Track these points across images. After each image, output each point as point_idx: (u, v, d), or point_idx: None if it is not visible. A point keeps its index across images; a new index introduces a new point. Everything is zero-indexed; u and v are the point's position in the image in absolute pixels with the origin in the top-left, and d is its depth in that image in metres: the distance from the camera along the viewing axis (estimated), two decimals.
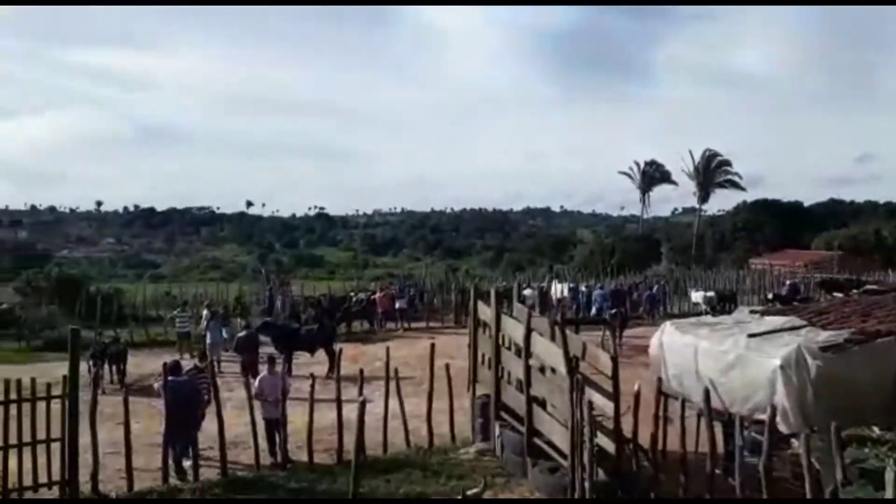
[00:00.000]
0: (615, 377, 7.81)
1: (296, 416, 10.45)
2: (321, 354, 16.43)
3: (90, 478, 8.68)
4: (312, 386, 10.23)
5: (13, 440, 8.56)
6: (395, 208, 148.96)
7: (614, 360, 8.03)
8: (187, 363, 11.96)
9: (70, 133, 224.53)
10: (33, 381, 8.99)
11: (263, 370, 11.25)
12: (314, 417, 9.97)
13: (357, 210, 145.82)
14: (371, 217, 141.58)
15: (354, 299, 25.68)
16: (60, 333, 20.93)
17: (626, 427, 8.19)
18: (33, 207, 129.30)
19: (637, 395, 8.52)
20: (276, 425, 10.05)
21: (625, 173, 70.72)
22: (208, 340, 16.97)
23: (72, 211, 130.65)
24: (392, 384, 10.80)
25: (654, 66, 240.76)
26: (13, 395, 8.68)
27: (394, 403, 10.70)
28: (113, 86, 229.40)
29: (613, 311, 20.24)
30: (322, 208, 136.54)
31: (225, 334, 17.86)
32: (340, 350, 11.65)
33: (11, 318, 23.16)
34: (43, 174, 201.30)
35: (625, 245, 58.15)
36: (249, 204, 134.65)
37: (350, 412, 10.25)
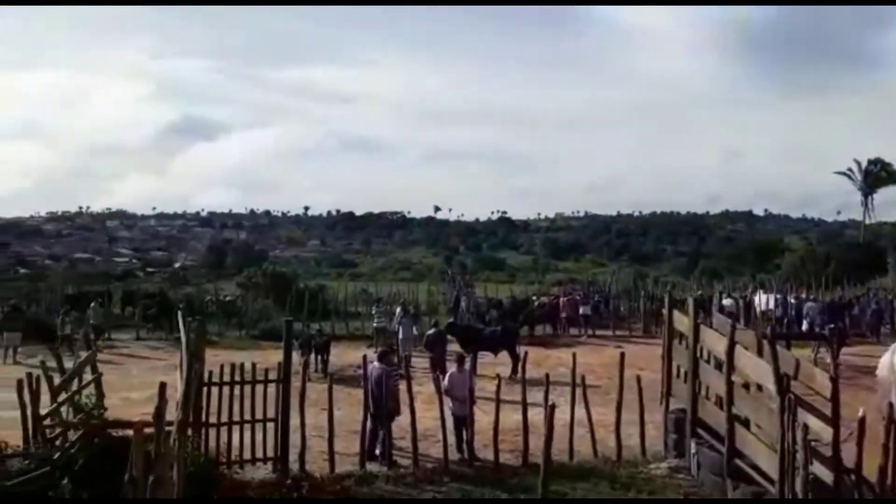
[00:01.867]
0: (835, 400, 6.96)
1: (481, 415, 10.65)
2: (504, 356, 16.60)
3: (298, 457, 9.49)
4: (498, 386, 10.33)
5: (235, 418, 9.60)
6: (579, 212, 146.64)
7: (834, 380, 7.15)
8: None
9: (282, 145, 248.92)
10: (253, 366, 10.00)
11: (451, 367, 11.60)
12: (499, 418, 10.08)
13: (539, 214, 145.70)
14: (553, 221, 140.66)
15: (536, 303, 25.65)
16: (274, 324, 23.31)
17: (847, 456, 7.25)
18: (252, 211, 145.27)
19: (862, 422, 7.50)
20: (463, 422, 10.30)
21: (843, 173, 63.57)
22: (400, 336, 17.88)
23: (283, 215, 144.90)
24: (578, 391, 10.59)
25: (883, 52, 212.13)
26: (237, 378, 9.75)
27: (580, 411, 10.48)
28: (319, 100, 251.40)
29: (832, 325, 18.25)
30: (504, 212, 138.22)
31: (415, 331, 18.72)
32: (526, 353, 11.64)
33: (234, 309, 26.22)
34: (260, 182, 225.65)
35: (842, 253, 51.91)
36: (437, 209, 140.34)
37: (534, 415, 10.25)
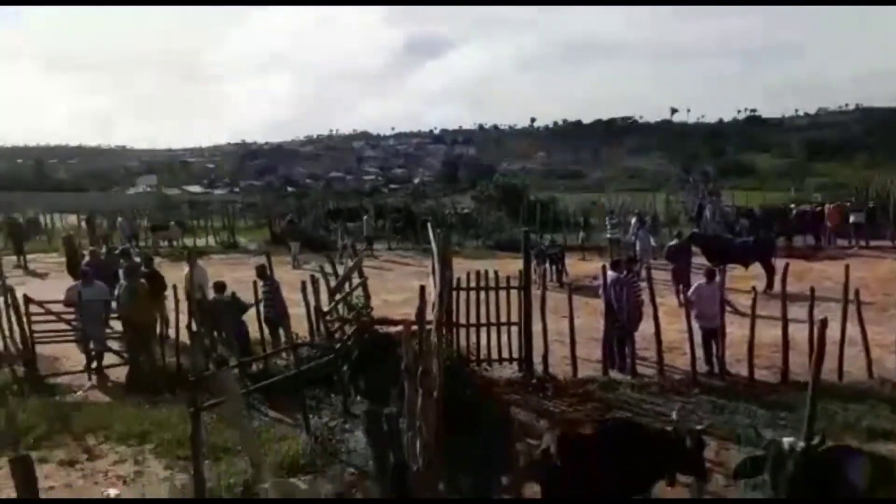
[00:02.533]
0: None
1: (733, 329, 10.05)
2: (756, 268, 15.33)
3: (542, 359, 9.84)
4: (754, 300, 9.61)
5: (482, 321, 10.16)
6: (847, 106, 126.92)
7: None
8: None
9: (507, 57, 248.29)
10: (496, 273, 10.43)
11: (695, 280, 11.02)
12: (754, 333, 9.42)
13: (796, 110, 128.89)
14: (814, 117, 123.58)
15: (794, 211, 23.10)
16: (507, 235, 24.05)
17: None
18: (481, 126, 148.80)
19: None
20: (713, 335, 9.82)
21: None
22: (638, 247, 17.35)
23: (510, 128, 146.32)
24: (851, 307, 9.45)
25: None
26: (482, 284, 10.25)
27: (851, 328, 9.39)
28: (543, 7, 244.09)
29: None
30: (753, 111, 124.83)
31: (653, 243, 18.02)
32: (787, 265, 10.57)
33: (471, 221, 27.46)
34: (487, 96, 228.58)
35: None
36: (674, 111, 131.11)
37: (795, 332, 9.41)
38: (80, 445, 8.03)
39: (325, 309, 9.51)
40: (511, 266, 12.32)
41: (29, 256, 22.94)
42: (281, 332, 10.76)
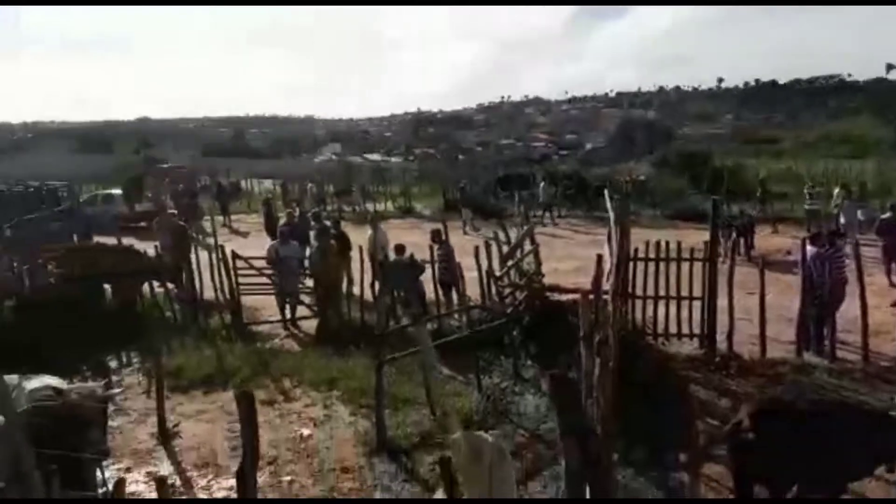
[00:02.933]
0: None
1: None
2: None
3: (726, 336, 9.22)
4: None
5: (661, 293, 9.72)
6: None
7: None
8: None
9: (693, 14, 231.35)
10: (678, 244, 9.89)
11: None
12: None
13: None
14: None
15: None
16: (688, 204, 22.69)
17: None
18: (661, 88, 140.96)
19: None
20: None
21: None
22: (842, 220, 15.60)
23: (694, 90, 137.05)
24: None
25: None
26: (662, 255, 9.77)
27: None
28: None
29: None
30: None
31: (861, 216, 16.09)
32: None
33: (646, 188, 26.22)
34: (670, 57, 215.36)
35: None
36: (890, 67, 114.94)
37: None
38: (277, 388, 8.90)
39: (498, 274, 9.62)
40: (692, 237, 11.63)
41: (232, 217, 25.69)
42: (454, 294, 11.12)
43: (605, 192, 12.08)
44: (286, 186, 29.17)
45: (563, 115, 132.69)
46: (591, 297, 6.45)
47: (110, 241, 13.64)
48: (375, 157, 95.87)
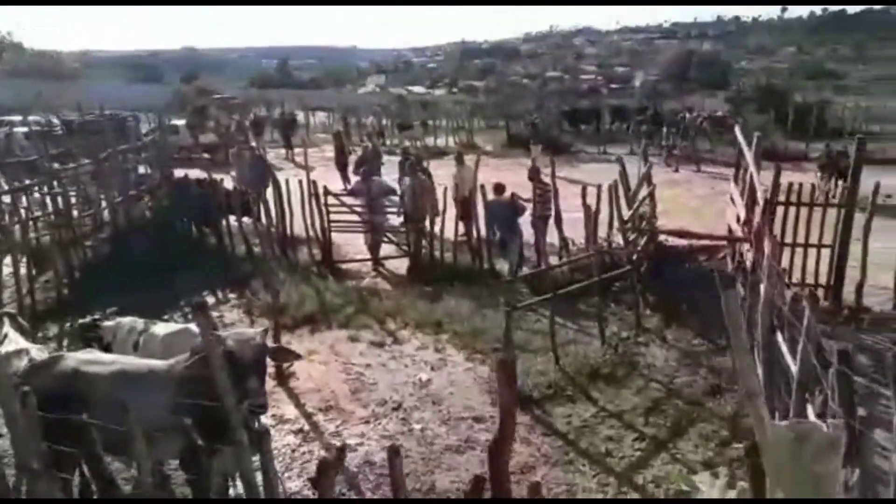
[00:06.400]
0: None
1: None
2: None
3: (855, 289, 8.62)
4: None
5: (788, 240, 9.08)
6: None
7: None
8: None
9: None
10: (813, 186, 9.17)
11: None
12: None
13: None
14: None
15: None
16: (770, 142, 21.50)
17: None
18: (718, 18, 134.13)
19: None
20: None
21: None
22: None
23: (754, 20, 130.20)
24: None
25: None
26: (792, 199, 9.08)
27: None
28: None
29: None
30: None
31: None
32: None
33: (725, 125, 24.90)
34: None
35: None
36: None
37: None
38: (383, 329, 8.69)
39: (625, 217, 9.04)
40: (784, 180, 10.86)
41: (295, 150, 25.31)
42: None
43: (737, 126, 11.17)
44: (346, 119, 28.60)
45: (615, 46, 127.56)
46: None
47: (179, 173, 13.40)
48: (419, 89, 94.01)
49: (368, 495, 5.36)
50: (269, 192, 11.70)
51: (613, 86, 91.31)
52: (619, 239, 8.97)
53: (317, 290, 9.83)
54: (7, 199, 10.90)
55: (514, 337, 7.56)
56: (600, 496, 5.30)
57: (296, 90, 61.90)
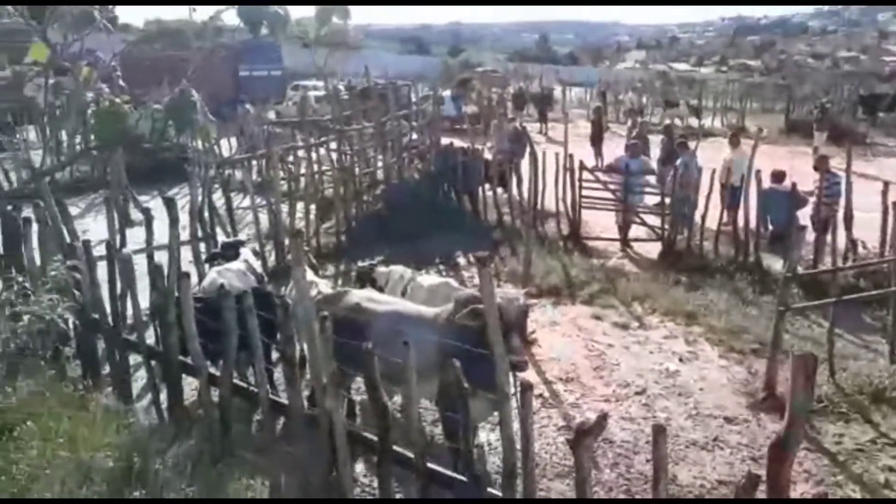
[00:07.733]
0: None
1: None
2: None
3: None
4: None
5: None
6: None
7: None
8: None
9: None
10: None
11: None
12: None
13: None
14: None
15: None
16: None
17: None
18: None
19: None
20: None
21: None
22: None
23: None
24: None
25: None
26: None
27: None
28: None
29: None
30: None
31: None
32: None
33: None
34: None
35: None
36: None
37: None
38: (628, 311, 8.44)
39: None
40: None
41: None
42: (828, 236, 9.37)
43: None
44: (605, 95, 27.98)
45: None
46: None
47: (444, 141, 14.09)
48: (683, 66, 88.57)
49: (606, 472, 5.28)
50: (524, 164, 11.92)
51: None
52: None
53: (562, 264, 9.85)
54: (302, 153, 12.47)
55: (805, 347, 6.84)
56: None
57: (553, 65, 62.15)
